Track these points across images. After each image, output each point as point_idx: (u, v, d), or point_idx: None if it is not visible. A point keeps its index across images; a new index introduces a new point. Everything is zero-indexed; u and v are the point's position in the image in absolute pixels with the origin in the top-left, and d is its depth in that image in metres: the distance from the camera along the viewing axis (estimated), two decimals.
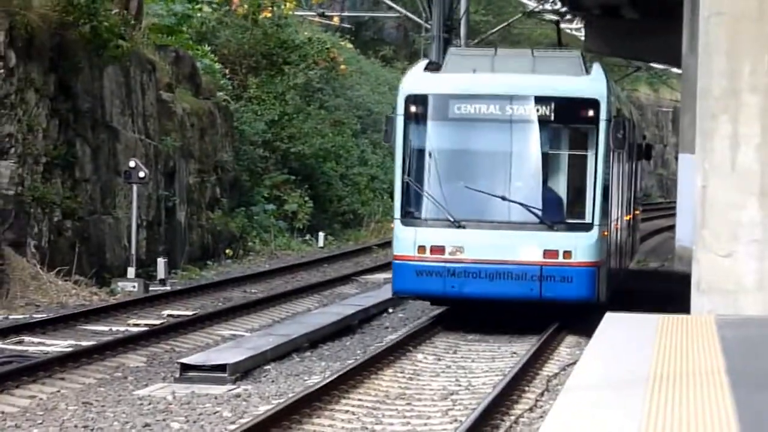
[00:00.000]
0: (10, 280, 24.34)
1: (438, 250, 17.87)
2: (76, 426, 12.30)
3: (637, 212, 31.68)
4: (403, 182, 18.40)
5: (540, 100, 18.24)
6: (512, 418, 12.30)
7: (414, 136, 18.59)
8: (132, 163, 25.55)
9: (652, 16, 36.32)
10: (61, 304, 23.36)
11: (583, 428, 9.11)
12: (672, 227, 31.45)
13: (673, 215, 27.70)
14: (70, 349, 17.66)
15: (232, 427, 11.45)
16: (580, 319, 17.74)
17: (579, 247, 17.78)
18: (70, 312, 21.60)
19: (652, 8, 35.57)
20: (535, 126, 18.36)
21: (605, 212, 18.49)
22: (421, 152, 18.67)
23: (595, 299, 17.92)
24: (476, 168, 18.63)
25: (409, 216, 18.39)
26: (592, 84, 18.49)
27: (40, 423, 12.53)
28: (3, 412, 13.23)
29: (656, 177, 53.63)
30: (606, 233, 18.45)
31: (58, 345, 18.46)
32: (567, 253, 17.68)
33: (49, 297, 24.28)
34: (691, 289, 20.48)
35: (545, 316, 18.38)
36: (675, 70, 48.75)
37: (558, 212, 18.20)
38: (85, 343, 17.97)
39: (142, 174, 25.39)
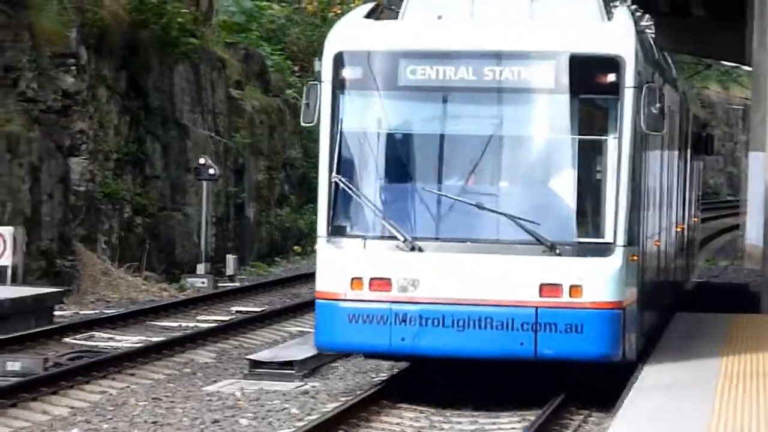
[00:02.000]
0: (81, 275, 25.60)
1: (382, 284, 12.51)
2: (145, 421, 12.73)
3: (696, 220, 26.66)
4: (330, 183, 12.90)
5: (536, 58, 12.84)
6: None
7: (347, 114, 13.08)
8: (202, 160, 26.78)
9: (721, 14, 37.74)
10: (131, 299, 24.21)
11: (652, 424, 9.44)
12: (740, 226, 32.46)
13: (742, 214, 28.32)
14: (140, 344, 18.33)
15: (300, 424, 11.68)
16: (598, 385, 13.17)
17: (594, 279, 12.41)
18: (140, 308, 22.44)
19: (721, 5, 36.76)
20: (530, 98, 13.00)
21: (635, 227, 13.17)
22: (357, 139, 13.17)
23: (618, 356, 12.65)
24: (440, 162, 13.13)
25: (340, 233, 12.88)
26: (612, 34, 12.99)
27: (110, 418, 13.03)
28: (73, 407, 13.78)
29: (725, 175, 54.82)
30: (636, 257, 13.23)
31: (128, 340, 19.20)
32: (575, 289, 12.38)
33: (120, 293, 25.47)
34: (762, 288, 21.32)
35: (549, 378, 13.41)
36: (745, 67, 49.73)
37: (562, 227, 12.74)
38: (154, 339, 18.62)
39: (212, 171, 26.57)
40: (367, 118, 12.92)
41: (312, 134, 38.87)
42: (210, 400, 13.57)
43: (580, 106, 12.74)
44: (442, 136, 12.99)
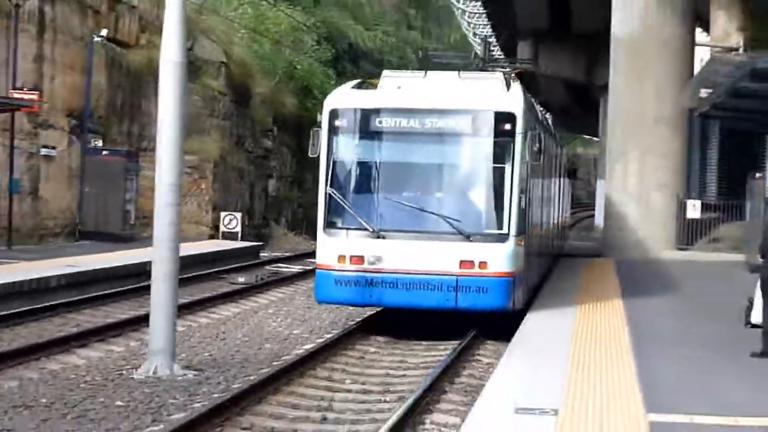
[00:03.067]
0: (272, 237, 38.63)
1: (357, 259, 16.50)
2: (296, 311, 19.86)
3: (567, 215, 34.21)
4: (326, 194, 16.80)
5: (458, 113, 16.72)
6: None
7: (337, 149, 16.96)
8: None
9: (586, 110, 56.34)
10: (295, 249, 35.55)
11: (532, 340, 13.79)
12: (593, 215, 49.73)
13: (593, 209, 45.67)
14: (299, 270, 27.16)
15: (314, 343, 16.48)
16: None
17: (494, 257, 16.34)
18: (300, 252, 33.65)
19: (587, 106, 54.68)
20: (454, 138, 16.91)
21: (522, 222, 17.00)
22: (343, 164, 17.04)
23: (510, 308, 16.56)
24: (396, 179, 17.01)
25: (332, 226, 16.84)
26: (510, 99, 17.00)
27: (281, 307, 20.19)
28: (269, 300, 21.21)
29: (587, 191, 75.99)
30: (522, 242, 17.05)
31: (294, 268, 28.22)
32: (482, 264, 16.28)
33: (291, 245, 37.62)
34: (602, 247, 32.60)
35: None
36: (596, 138, 68.84)
37: (474, 223, 16.60)
38: (306, 268, 27.29)
39: None
40: (348, 152, 17.01)
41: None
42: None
43: (487, 144, 16.84)
44: (400, 164, 17.09)
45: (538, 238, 20.75)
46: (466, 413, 10.46)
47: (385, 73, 18.24)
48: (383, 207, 16.79)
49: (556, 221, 26.84)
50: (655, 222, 30.45)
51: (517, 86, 17.86)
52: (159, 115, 13.81)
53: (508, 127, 16.73)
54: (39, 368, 13.95)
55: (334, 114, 17.06)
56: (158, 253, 13.78)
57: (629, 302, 18.51)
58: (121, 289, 21.64)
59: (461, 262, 16.39)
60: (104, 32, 31.59)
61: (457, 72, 18.44)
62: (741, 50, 30.11)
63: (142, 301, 19.66)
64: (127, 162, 31.68)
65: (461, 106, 16.95)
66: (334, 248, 16.73)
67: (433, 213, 16.59)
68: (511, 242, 16.58)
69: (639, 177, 30.62)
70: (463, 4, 52.21)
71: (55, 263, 22.86)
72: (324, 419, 11.56)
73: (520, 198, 16.78)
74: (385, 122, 16.98)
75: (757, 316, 14.03)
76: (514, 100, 17.16)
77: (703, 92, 24.73)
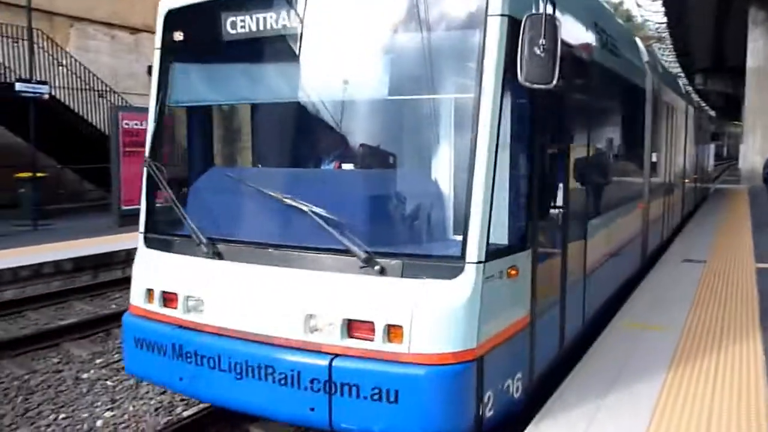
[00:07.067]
0: None
1: (171, 300, 7.97)
2: None
3: (706, 173, 32.00)
4: (149, 166, 8.31)
5: None
6: None
7: (171, 81, 8.44)
8: None
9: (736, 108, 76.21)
10: None
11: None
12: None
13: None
14: None
15: None
16: None
17: (426, 314, 6.75)
18: None
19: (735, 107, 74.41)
20: (358, 42, 7.41)
21: (518, 227, 7.35)
22: (174, 114, 8.63)
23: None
24: (262, 139, 8.81)
25: (155, 230, 8.51)
26: None
27: None
28: None
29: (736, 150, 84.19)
30: (515, 272, 7.23)
31: None
32: (395, 331, 6.80)
33: None
34: (742, 179, 47.72)
35: None
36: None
37: (384, 228, 7.21)
38: None
39: None
40: (184, 86, 8.45)
41: None
42: None
43: (422, 51, 7.10)
44: (256, 101, 8.61)
45: (568, 266, 8.93)
46: None
47: None
48: (228, 194, 7.94)
49: (691, 180, 23.63)
50: None
51: None
52: None
53: (468, 4, 7.02)
54: None
55: (171, 21, 8.52)
56: None
57: (753, 209, 26.25)
58: None
59: (349, 323, 6.97)
60: None
61: None
62: None
63: None
64: None
65: None
66: (145, 276, 8.31)
67: (300, 205, 7.19)
68: (473, 276, 6.79)
69: (762, 143, 50.75)
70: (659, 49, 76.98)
71: None
72: None
73: (510, 171, 7.16)
74: (243, 24, 7.79)
75: None
76: None
77: None
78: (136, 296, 8.28)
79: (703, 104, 34.91)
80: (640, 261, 14.06)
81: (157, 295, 8.08)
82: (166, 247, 8.27)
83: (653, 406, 7.77)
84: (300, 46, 7.53)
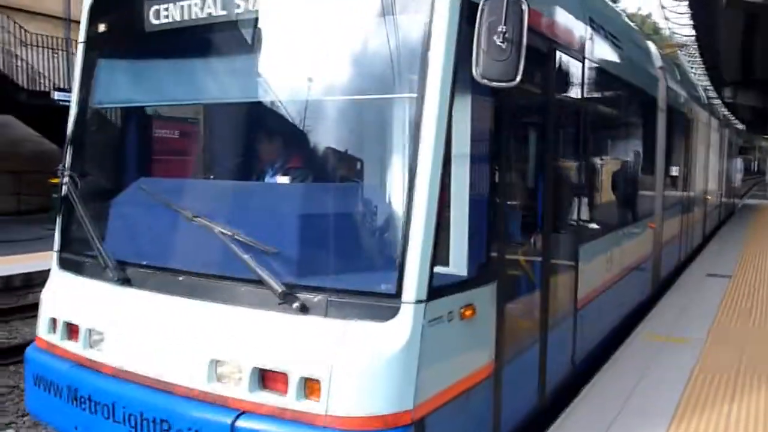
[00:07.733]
0: None
1: (74, 332, 6.78)
2: None
3: (736, 188, 34.00)
4: (62, 177, 7.34)
5: None
6: None
7: (94, 80, 7.28)
8: None
9: (764, 122, 73.34)
10: None
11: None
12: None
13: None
14: None
15: None
16: None
17: (348, 365, 5.35)
18: None
19: (763, 121, 73.11)
20: (284, 31, 6.13)
21: (476, 256, 6.06)
22: (96, 114, 7.40)
23: None
24: (187, 142, 7.90)
25: (70, 249, 7.33)
26: None
27: None
28: None
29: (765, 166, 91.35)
30: (470, 312, 5.94)
31: None
32: (312, 385, 5.42)
33: None
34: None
35: None
36: None
37: (308, 255, 5.84)
38: None
39: None
40: (107, 83, 7.32)
41: None
42: None
43: (361, 44, 5.90)
44: (179, 105, 7.62)
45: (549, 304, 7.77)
46: None
47: None
48: (143, 212, 6.75)
49: (715, 196, 24.11)
50: None
51: None
52: None
53: None
54: None
55: (97, 11, 7.31)
56: None
57: None
58: None
59: (260, 372, 5.65)
60: None
61: None
62: None
63: None
64: None
65: None
66: (52, 302, 7.12)
67: (219, 228, 5.96)
68: (411, 318, 5.40)
69: None
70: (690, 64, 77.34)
71: None
72: None
73: (464, 186, 5.93)
74: (168, 13, 6.62)
75: None
76: None
77: None
78: (42, 326, 7.09)
79: (732, 117, 34.94)
80: (650, 287, 12.83)
81: (60, 325, 6.89)
82: (78, 269, 7.08)
83: (671, 415, 7.83)
84: (228, 39, 6.40)
